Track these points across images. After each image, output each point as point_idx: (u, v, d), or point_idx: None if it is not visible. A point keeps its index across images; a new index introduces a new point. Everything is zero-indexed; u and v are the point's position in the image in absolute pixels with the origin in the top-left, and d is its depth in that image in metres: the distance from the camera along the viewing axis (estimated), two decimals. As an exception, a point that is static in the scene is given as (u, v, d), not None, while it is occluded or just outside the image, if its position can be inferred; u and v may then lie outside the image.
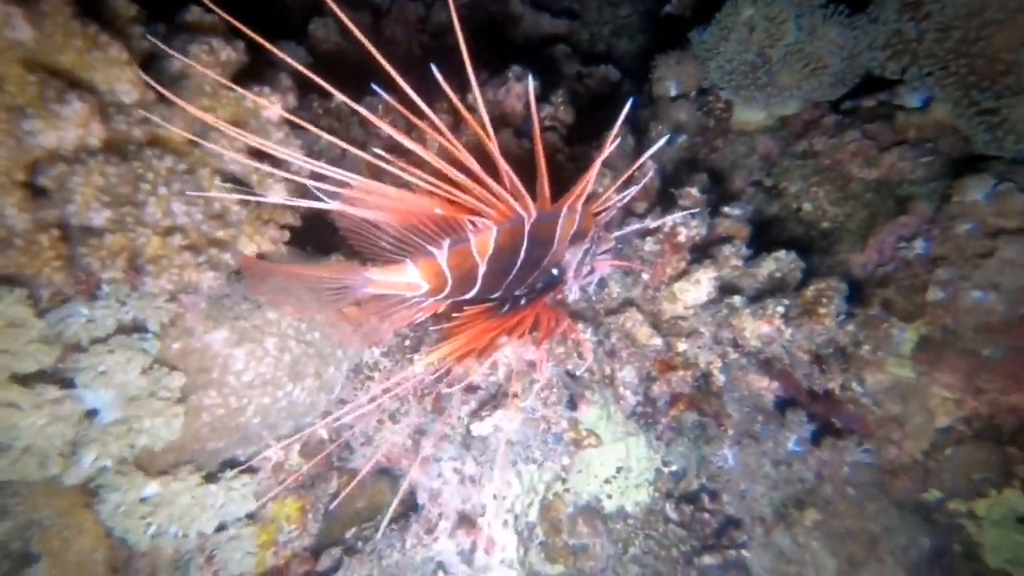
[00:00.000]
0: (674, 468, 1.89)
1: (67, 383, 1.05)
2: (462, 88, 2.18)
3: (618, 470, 1.81)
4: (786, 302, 1.39)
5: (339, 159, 1.78)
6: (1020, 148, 1.67)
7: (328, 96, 1.84)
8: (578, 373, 1.30)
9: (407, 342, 1.51)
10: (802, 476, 1.92)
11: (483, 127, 1.08)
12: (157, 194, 1.02)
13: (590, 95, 3.62)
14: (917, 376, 1.82)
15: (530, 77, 1.16)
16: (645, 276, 1.46)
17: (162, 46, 0.94)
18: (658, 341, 1.40)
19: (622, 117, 1.09)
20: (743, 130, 2.67)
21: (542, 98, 2.22)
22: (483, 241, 1.19)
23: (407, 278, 1.18)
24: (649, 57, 3.85)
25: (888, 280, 1.97)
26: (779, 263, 1.49)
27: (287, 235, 1.47)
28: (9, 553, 1.18)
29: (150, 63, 1.06)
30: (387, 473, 1.70)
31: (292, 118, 1.19)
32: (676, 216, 1.39)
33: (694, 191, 1.47)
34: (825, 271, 2.09)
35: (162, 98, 1.01)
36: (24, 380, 0.97)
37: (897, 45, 1.95)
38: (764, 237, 2.43)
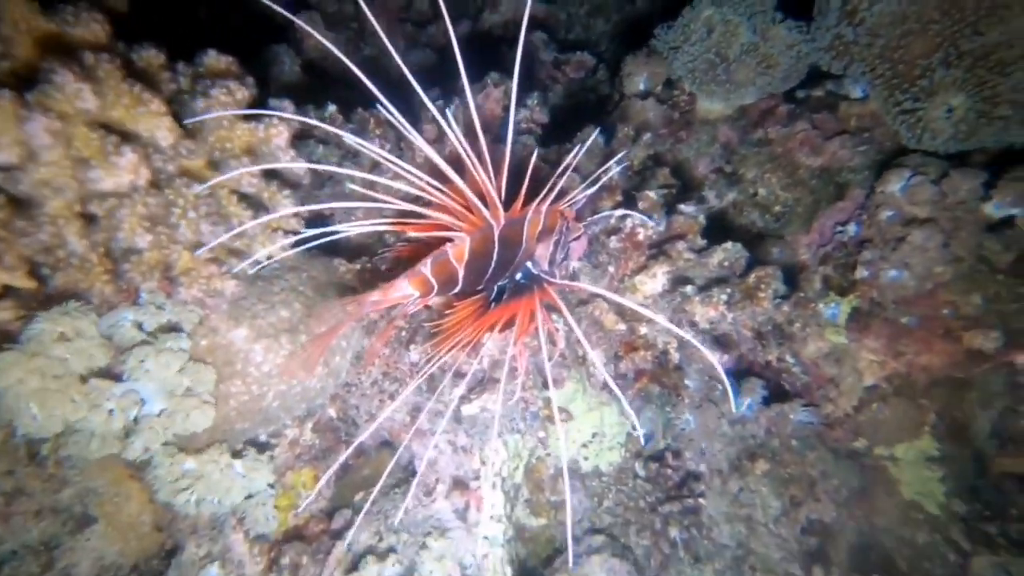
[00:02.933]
0: (643, 431, 2.16)
1: (120, 378, 1.24)
2: (446, 94, 2.32)
3: (593, 435, 2.07)
4: (728, 291, 1.62)
5: (337, 165, 1.94)
6: (935, 143, 1.90)
7: (321, 106, 1.98)
8: (549, 360, 1.53)
9: (403, 333, 1.72)
10: (754, 433, 2.21)
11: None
12: (187, 217, 1.20)
13: (567, 80, 3.75)
14: (849, 343, 2.09)
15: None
16: (611, 269, 1.68)
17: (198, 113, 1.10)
18: (622, 327, 1.63)
19: (583, 148, 1.30)
20: (706, 119, 2.87)
21: (518, 101, 2.37)
22: (459, 250, 1.42)
23: (402, 292, 1.40)
24: (624, 38, 3.98)
25: (828, 259, 2.23)
26: (727, 253, 1.72)
27: (292, 239, 1.65)
28: (73, 515, 1.40)
29: (176, 98, 1.21)
30: (389, 445, 1.93)
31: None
32: (636, 218, 1.60)
33: (652, 194, 1.67)
34: (775, 256, 2.34)
35: (188, 135, 1.17)
36: (86, 377, 1.16)
37: (839, 47, 2.15)
38: (724, 219, 2.68)
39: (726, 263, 1.73)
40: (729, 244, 1.74)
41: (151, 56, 1.18)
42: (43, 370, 1.08)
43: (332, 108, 2.00)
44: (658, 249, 1.67)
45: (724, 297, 1.61)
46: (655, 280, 1.61)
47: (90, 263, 1.13)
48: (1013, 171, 1.70)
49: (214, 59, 1.27)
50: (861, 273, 1.94)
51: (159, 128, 1.11)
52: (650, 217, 1.63)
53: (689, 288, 1.63)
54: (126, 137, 1.08)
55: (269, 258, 1.59)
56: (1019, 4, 1.62)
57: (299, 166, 1.29)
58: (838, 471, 2.19)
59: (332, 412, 1.78)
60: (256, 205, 1.43)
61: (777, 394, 2.16)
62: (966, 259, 1.73)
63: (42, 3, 0.99)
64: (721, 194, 2.69)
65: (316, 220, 1.86)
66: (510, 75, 2.51)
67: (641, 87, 2.79)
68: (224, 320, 1.43)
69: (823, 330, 2.12)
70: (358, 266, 1.63)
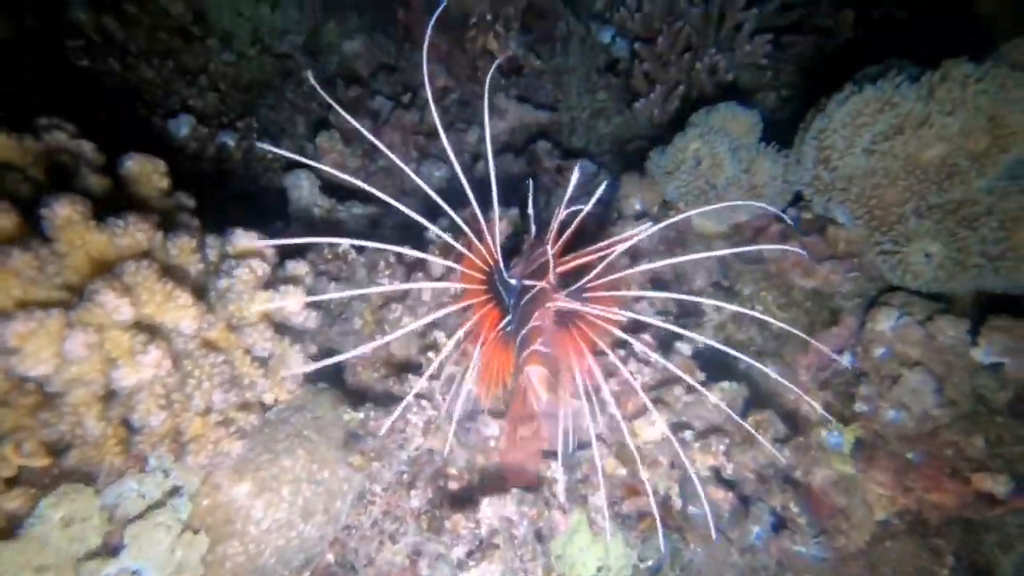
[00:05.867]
0: (650, 563, 2.08)
1: (116, 553, 1.24)
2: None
3: (599, 569, 2.00)
4: (727, 441, 1.64)
5: (346, 303, 2.04)
6: (916, 284, 1.98)
7: (335, 243, 2.12)
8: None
9: (404, 476, 1.72)
10: (765, 563, 2.13)
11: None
12: (202, 388, 1.26)
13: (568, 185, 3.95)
14: (856, 473, 2.06)
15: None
16: (611, 410, 1.71)
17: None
18: (623, 471, 1.64)
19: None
20: (702, 234, 3.00)
21: (521, 227, 2.50)
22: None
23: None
24: (624, 143, 4.24)
25: (827, 384, 2.24)
26: (724, 392, 1.74)
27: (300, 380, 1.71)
28: None
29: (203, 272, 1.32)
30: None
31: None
32: (632, 365, 1.66)
33: (648, 337, 1.74)
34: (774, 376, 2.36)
35: (208, 309, 1.27)
36: (83, 560, 1.17)
37: (818, 185, 2.30)
38: (724, 332, 2.73)
39: (724, 402, 1.75)
40: (726, 383, 1.77)
41: (184, 243, 1.29)
42: (42, 562, 1.09)
43: (345, 244, 2.13)
44: (656, 393, 1.71)
45: (722, 447, 1.62)
46: (655, 427, 1.63)
47: (105, 438, 1.18)
48: (995, 319, 1.76)
49: (240, 237, 1.39)
50: (860, 407, 1.95)
51: (184, 319, 1.20)
52: (647, 363, 1.68)
53: (688, 434, 1.65)
54: (152, 329, 1.17)
55: (276, 402, 1.63)
56: (975, 170, 1.75)
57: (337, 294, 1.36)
58: (856, 611, 2.08)
59: (330, 556, 1.74)
60: (265, 360, 1.50)
61: (786, 523, 2.10)
62: (962, 402, 1.74)
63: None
64: (720, 308, 2.75)
65: (324, 353, 1.93)
66: (513, 187, 2.66)
67: (637, 207, 2.95)
68: (227, 475, 1.45)
69: (829, 457, 2.09)
70: (361, 415, 1.67)
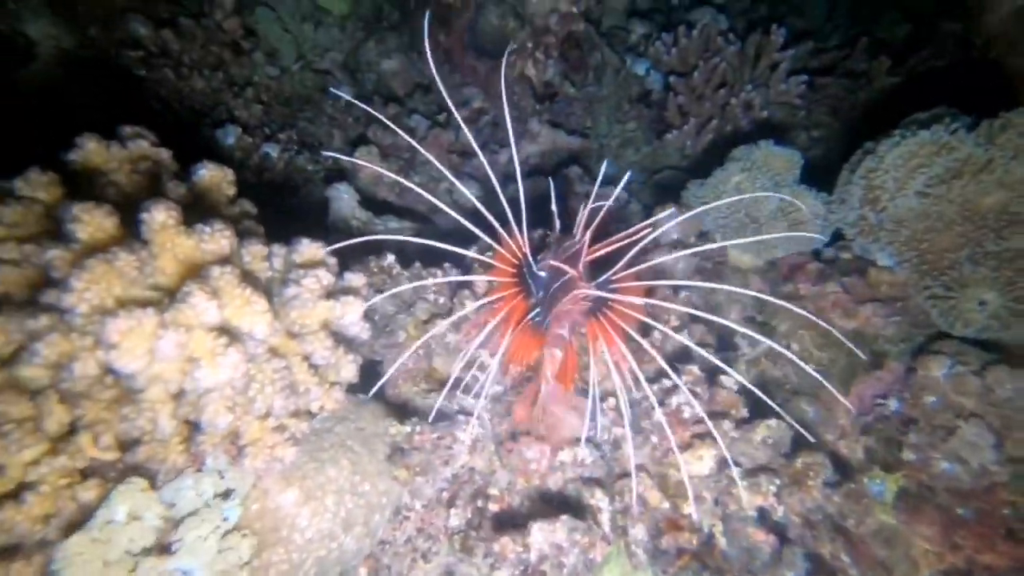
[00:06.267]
0: (679, 603, 2.02)
1: (170, 550, 1.24)
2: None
3: (628, 605, 1.94)
4: (777, 482, 1.61)
5: (391, 317, 2.06)
6: (967, 332, 1.95)
7: (382, 255, 2.15)
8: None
9: (444, 493, 1.70)
10: (800, 614, 2.05)
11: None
12: (264, 392, 1.27)
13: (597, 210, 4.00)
14: (899, 524, 2.00)
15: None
16: (654, 439, 1.69)
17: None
18: (666, 505, 1.61)
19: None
20: (737, 267, 2.99)
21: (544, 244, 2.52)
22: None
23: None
24: (653, 171, 4.28)
25: (869, 429, 2.19)
26: (770, 430, 1.72)
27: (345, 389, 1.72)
28: None
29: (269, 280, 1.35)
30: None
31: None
32: (681, 397, 1.64)
33: (695, 369, 1.73)
34: (810, 416, 2.32)
35: (275, 315, 1.29)
36: (140, 557, 1.17)
37: (863, 225, 2.29)
38: (758, 368, 2.69)
39: (770, 440, 1.73)
40: (772, 421, 1.75)
41: (257, 250, 1.33)
42: (108, 556, 1.10)
43: (391, 258, 2.16)
44: (704, 427, 1.69)
45: (773, 488, 1.59)
46: (702, 463, 1.60)
47: (172, 437, 1.20)
48: (1058, 372, 1.72)
49: (307, 246, 1.43)
50: (909, 456, 1.90)
51: (260, 323, 1.23)
52: (695, 395, 1.67)
53: (735, 471, 1.62)
54: (228, 332, 1.19)
55: (321, 410, 1.64)
56: (1040, 220, 1.74)
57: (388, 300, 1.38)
58: (898, 671, 1.99)
59: (363, 572, 1.72)
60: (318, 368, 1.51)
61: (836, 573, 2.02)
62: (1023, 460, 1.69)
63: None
64: (754, 343, 2.72)
65: (367, 366, 1.94)
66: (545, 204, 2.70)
67: (674, 235, 2.96)
68: (276, 482, 1.45)
69: (871, 505, 2.03)
70: (408, 428, 1.67)
